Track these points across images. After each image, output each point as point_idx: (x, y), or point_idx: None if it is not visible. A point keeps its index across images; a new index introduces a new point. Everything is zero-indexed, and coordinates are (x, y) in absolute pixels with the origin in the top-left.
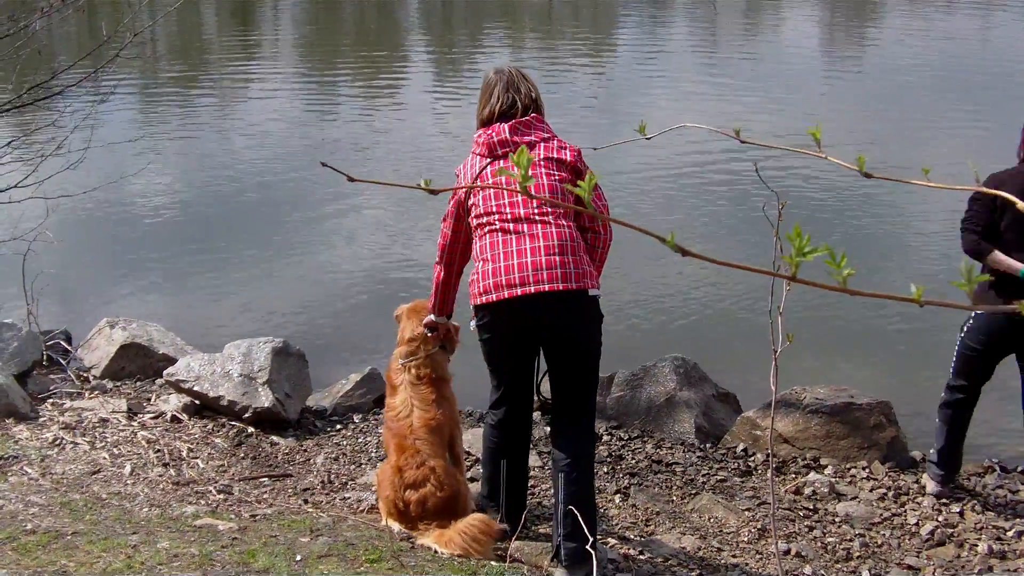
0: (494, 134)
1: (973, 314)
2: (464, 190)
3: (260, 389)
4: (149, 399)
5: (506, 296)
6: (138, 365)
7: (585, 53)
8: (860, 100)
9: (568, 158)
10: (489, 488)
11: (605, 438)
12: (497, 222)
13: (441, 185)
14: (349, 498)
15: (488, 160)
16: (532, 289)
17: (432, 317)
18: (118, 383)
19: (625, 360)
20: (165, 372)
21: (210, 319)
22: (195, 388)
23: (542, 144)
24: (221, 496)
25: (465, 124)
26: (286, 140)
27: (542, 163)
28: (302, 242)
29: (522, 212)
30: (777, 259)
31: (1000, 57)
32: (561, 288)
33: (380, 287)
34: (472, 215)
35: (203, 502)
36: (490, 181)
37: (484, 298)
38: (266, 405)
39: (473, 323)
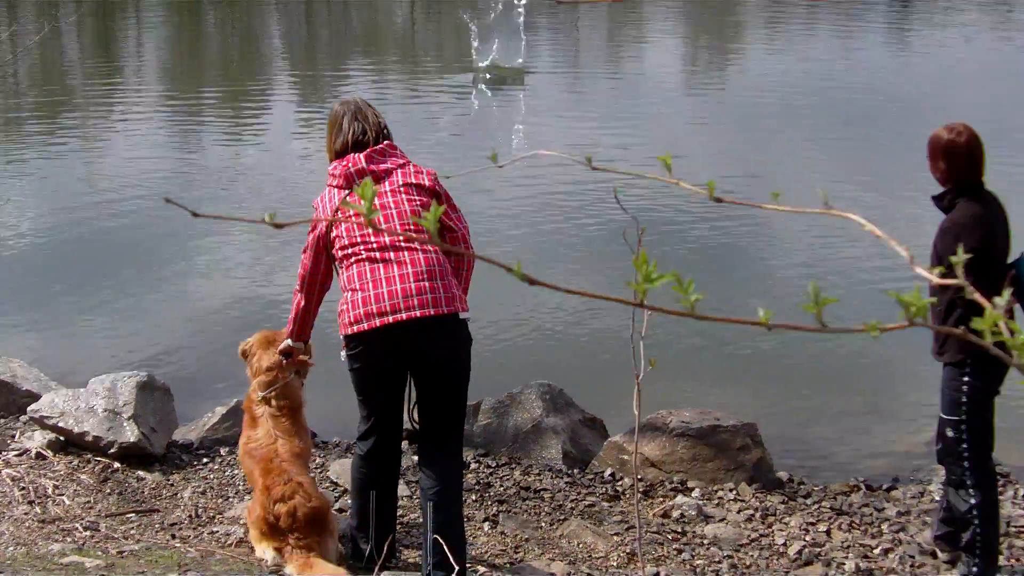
0: (351, 164)
1: (967, 388)
2: (325, 223)
3: (125, 424)
4: (13, 436)
5: (378, 324)
6: (1, 402)
7: (446, 82)
8: (723, 123)
9: (426, 182)
10: (359, 520)
11: (473, 465)
12: (363, 251)
13: (289, 218)
14: (217, 532)
15: (347, 191)
16: (404, 316)
17: (289, 342)
18: None
19: (491, 387)
20: (29, 408)
21: (74, 354)
22: (60, 424)
23: (399, 170)
24: (88, 533)
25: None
26: (147, 171)
27: (401, 189)
28: (163, 275)
29: (387, 240)
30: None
31: (863, 79)
32: (432, 313)
33: (242, 319)
34: (336, 247)
35: (70, 540)
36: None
37: (356, 327)
38: (132, 440)
39: (344, 353)
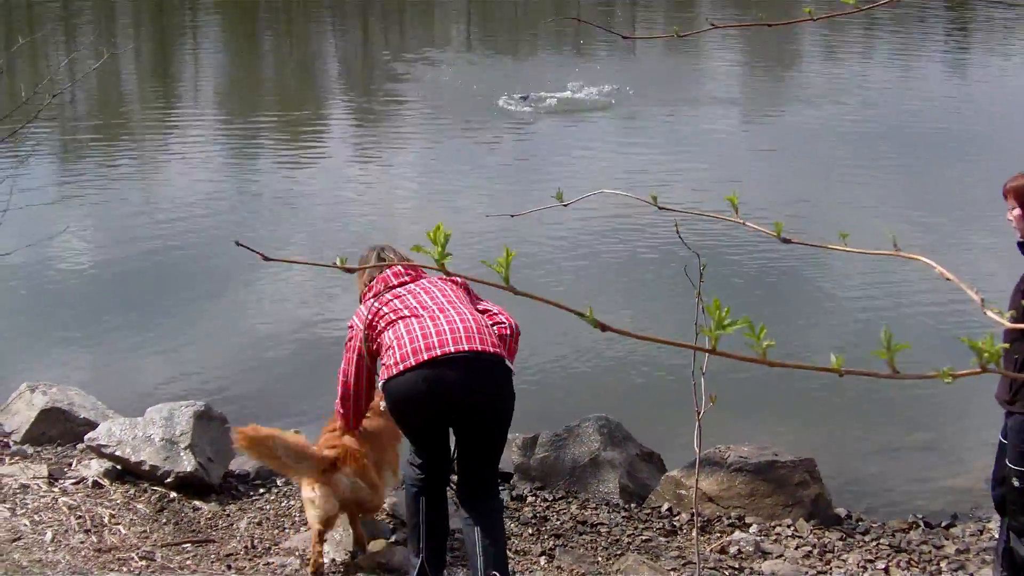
0: (389, 273)
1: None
2: (362, 335)
3: (182, 453)
4: (70, 464)
5: (425, 358)
6: (59, 430)
7: (500, 110)
8: (788, 151)
9: (458, 280)
10: (412, 537)
11: (529, 499)
12: (407, 312)
13: (355, 257)
14: (273, 563)
15: (386, 291)
16: (452, 349)
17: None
18: (39, 448)
19: (548, 420)
20: (86, 437)
21: (131, 383)
22: (117, 453)
23: (427, 277)
24: (144, 563)
25: (385, 189)
26: (205, 198)
27: (436, 281)
28: (221, 304)
29: (430, 302)
30: (700, 324)
31: (922, 110)
32: (480, 349)
33: (301, 349)
34: (380, 322)
35: (125, 569)
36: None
37: (402, 365)
38: (188, 470)
39: (383, 404)
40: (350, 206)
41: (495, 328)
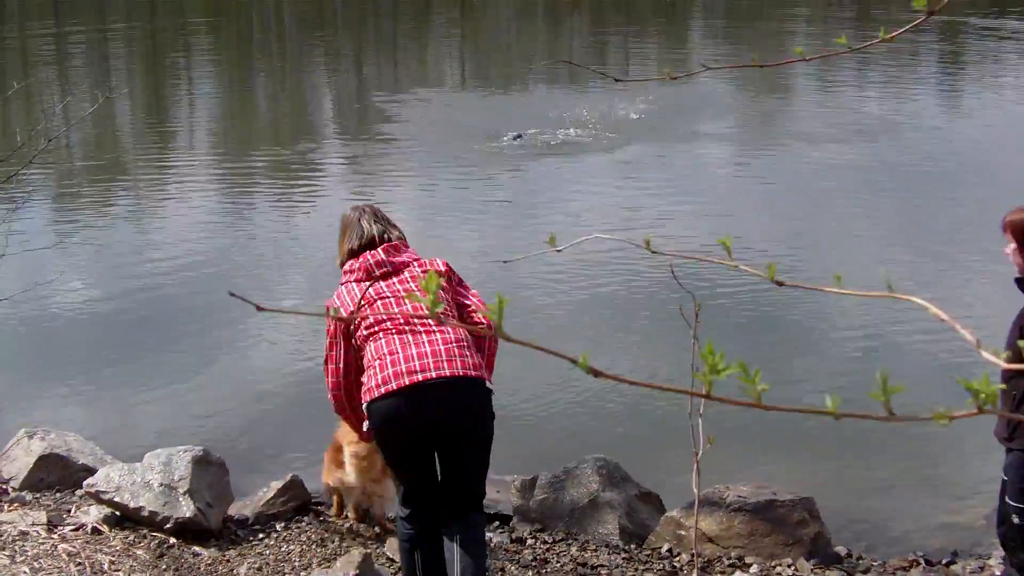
0: (369, 257)
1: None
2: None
3: (181, 499)
4: (69, 511)
5: (407, 383)
6: (57, 476)
7: (491, 149)
8: (780, 193)
9: (442, 269)
10: None
11: (529, 541)
12: (390, 325)
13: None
14: None
15: (368, 283)
16: (433, 375)
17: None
18: (37, 495)
19: (547, 462)
20: (85, 483)
21: (129, 428)
22: (115, 499)
23: (415, 262)
24: None
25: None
26: (201, 241)
27: (421, 276)
28: (217, 348)
29: (413, 320)
30: (696, 366)
31: (916, 142)
32: (461, 374)
33: (298, 392)
34: (360, 328)
35: None
36: (377, 302)
37: (383, 388)
38: (188, 515)
39: (366, 424)
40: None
41: (475, 339)
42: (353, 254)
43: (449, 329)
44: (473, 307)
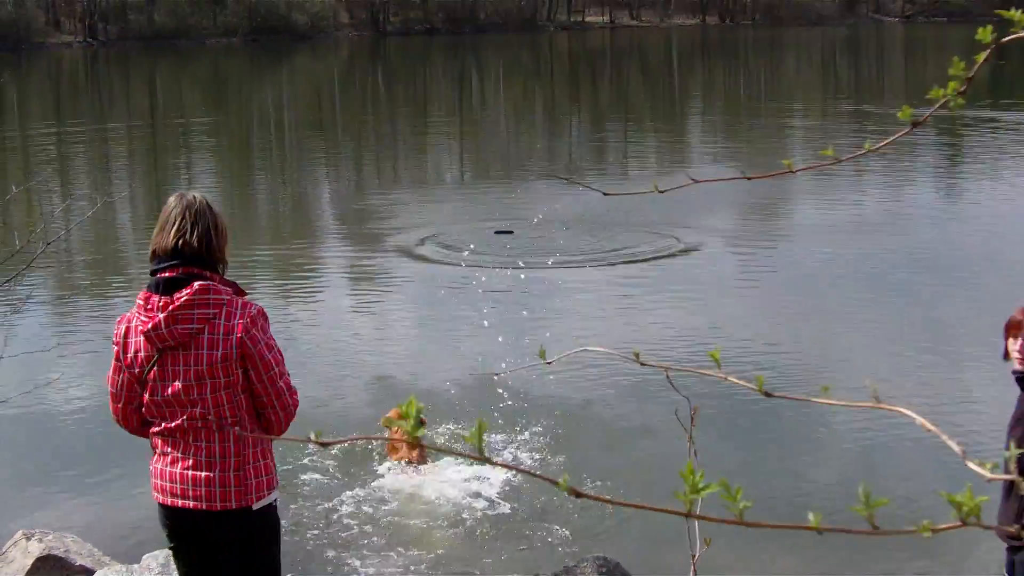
0: (155, 310)
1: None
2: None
3: None
4: None
5: (162, 502)
6: None
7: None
8: (776, 292)
9: (234, 344)
10: None
11: None
12: (156, 415)
13: (334, 436)
14: None
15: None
16: (180, 503)
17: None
18: None
19: (546, 561)
20: None
21: (126, 528)
22: None
23: (206, 327)
24: None
25: (385, 332)
26: None
27: (197, 358)
28: None
29: (182, 422)
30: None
31: (912, 239)
32: (204, 507)
33: (289, 484)
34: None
35: None
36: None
37: (154, 495)
38: None
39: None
40: (343, 354)
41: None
42: (154, 256)
43: (216, 446)
44: (267, 399)
